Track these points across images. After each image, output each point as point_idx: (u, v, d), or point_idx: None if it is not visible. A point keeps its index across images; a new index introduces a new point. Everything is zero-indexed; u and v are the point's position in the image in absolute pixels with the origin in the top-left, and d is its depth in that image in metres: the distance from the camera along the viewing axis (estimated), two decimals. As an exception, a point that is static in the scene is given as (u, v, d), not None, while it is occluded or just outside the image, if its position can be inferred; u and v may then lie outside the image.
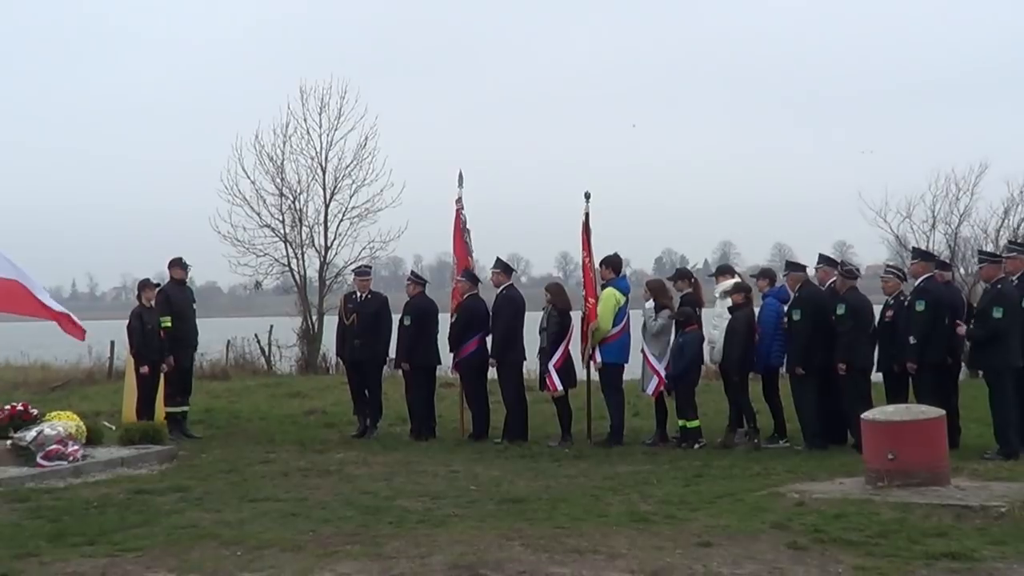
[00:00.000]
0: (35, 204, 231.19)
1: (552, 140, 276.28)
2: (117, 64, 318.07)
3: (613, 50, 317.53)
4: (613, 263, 21.42)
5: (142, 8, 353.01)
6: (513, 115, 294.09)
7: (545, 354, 21.21)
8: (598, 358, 20.82)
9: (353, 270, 23.76)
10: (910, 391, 18.69)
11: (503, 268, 22.36)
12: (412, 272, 24.46)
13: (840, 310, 19.09)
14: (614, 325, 20.68)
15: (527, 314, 21.95)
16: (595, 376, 21.12)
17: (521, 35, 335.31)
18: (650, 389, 20.77)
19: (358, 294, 22.96)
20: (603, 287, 21.20)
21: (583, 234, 21.52)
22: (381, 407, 22.46)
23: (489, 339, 21.67)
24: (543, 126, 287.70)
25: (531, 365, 22.22)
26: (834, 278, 20.08)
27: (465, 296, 22.08)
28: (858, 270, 20.32)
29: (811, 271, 20.33)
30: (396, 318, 22.85)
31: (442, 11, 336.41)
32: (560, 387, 21.05)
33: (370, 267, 23.39)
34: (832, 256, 21.51)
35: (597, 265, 21.33)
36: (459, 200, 23.10)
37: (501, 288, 21.95)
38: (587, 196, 21.83)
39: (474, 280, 22.40)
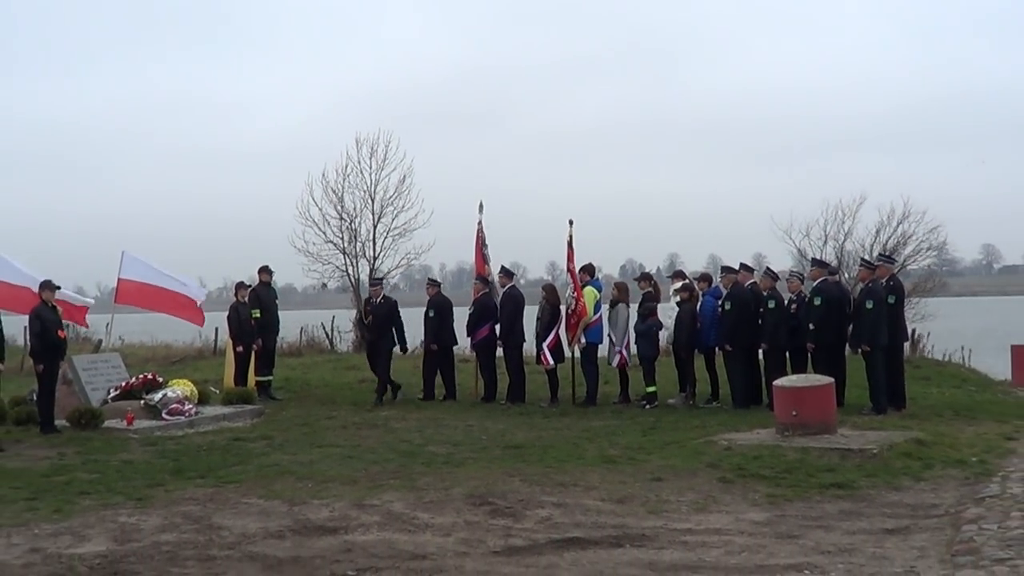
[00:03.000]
0: (181, 212, 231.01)
1: (549, 174, 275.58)
2: (252, 124, 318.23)
3: (601, 107, 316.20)
4: (589, 269, 21.73)
5: (259, 83, 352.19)
6: (521, 156, 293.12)
7: (540, 337, 21.52)
8: (583, 340, 20.97)
9: (369, 280, 23.44)
10: (809, 364, 18.86)
11: (506, 273, 22.60)
12: (429, 278, 25.16)
13: (771, 304, 19.44)
14: (595, 313, 21.05)
15: (526, 307, 22.22)
16: (577, 354, 21.28)
17: (534, 98, 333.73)
18: (615, 362, 21.07)
19: (374, 299, 22.81)
20: (583, 287, 21.36)
21: (568, 248, 21.72)
22: (388, 380, 22.25)
23: (498, 327, 21.86)
24: (544, 165, 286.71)
25: (529, 346, 22.34)
26: (753, 279, 20.37)
27: (479, 294, 22.33)
28: (777, 275, 20.56)
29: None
30: (406, 314, 23.06)
31: (472, 80, 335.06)
32: (552, 362, 21.36)
33: (382, 278, 23.57)
34: (751, 264, 21.68)
35: (578, 271, 21.55)
36: (480, 224, 23.27)
37: (505, 288, 22.14)
38: (571, 222, 22.06)
39: (486, 283, 22.48)
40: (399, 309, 22.86)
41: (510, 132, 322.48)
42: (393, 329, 22.41)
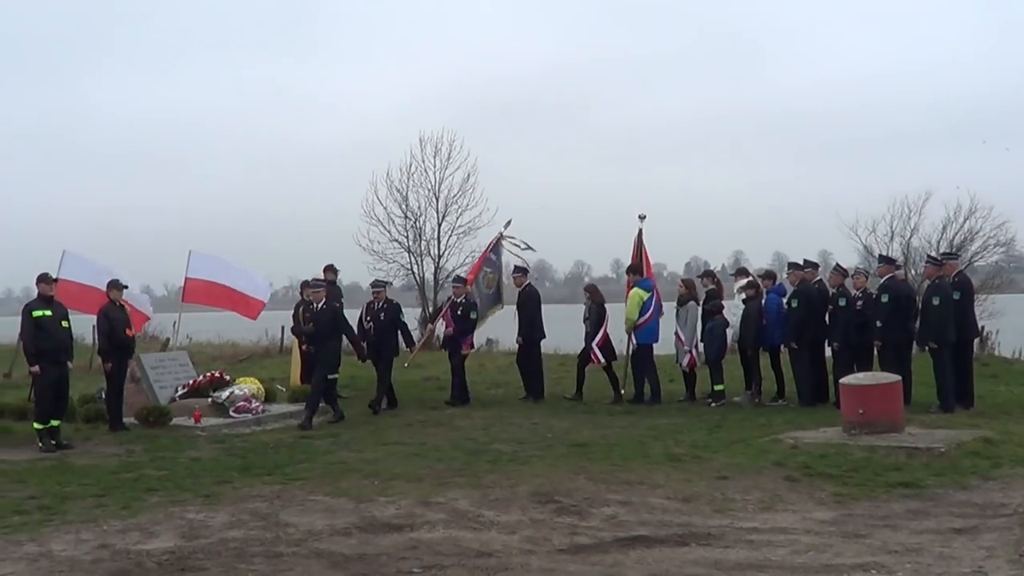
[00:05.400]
0: (254, 209, 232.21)
1: (619, 171, 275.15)
2: (332, 126, 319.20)
3: (676, 104, 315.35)
4: (636, 269, 21.77)
5: (344, 81, 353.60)
6: (594, 153, 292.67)
7: (590, 337, 21.48)
8: (634, 341, 21.01)
9: (371, 284, 22.26)
10: (875, 362, 18.74)
11: (522, 272, 22.60)
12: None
13: (841, 302, 19.27)
14: (641, 315, 20.90)
15: (566, 307, 22.21)
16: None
17: (611, 95, 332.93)
18: (684, 361, 20.98)
19: (375, 303, 21.21)
20: (630, 288, 21.47)
21: (640, 244, 21.81)
22: (389, 389, 21.14)
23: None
24: (617, 161, 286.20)
25: (556, 342, 22.30)
26: (819, 276, 20.26)
27: (462, 296, 21.99)
28: (846, 271, 20.38)
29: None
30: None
31: (550, 76, 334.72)
32: (603, 360, 21.38)
33: (386, 283, 21.61)
34: (816, 261, 21.56)
35: (626, 271, 21.98)
36: (500, 235, 23.64)
37: (522, 287, 22.12)
38: (641, 217, 22.08)
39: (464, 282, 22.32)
40: (402, 311, 21.83)
41: (585, 129, 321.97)
42: (399, 332, 21.47)
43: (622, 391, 21.28)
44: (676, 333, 21.00)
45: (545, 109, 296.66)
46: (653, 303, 21.18)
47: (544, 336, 22.36)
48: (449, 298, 22.36)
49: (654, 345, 21.33)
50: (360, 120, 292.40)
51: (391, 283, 21.65)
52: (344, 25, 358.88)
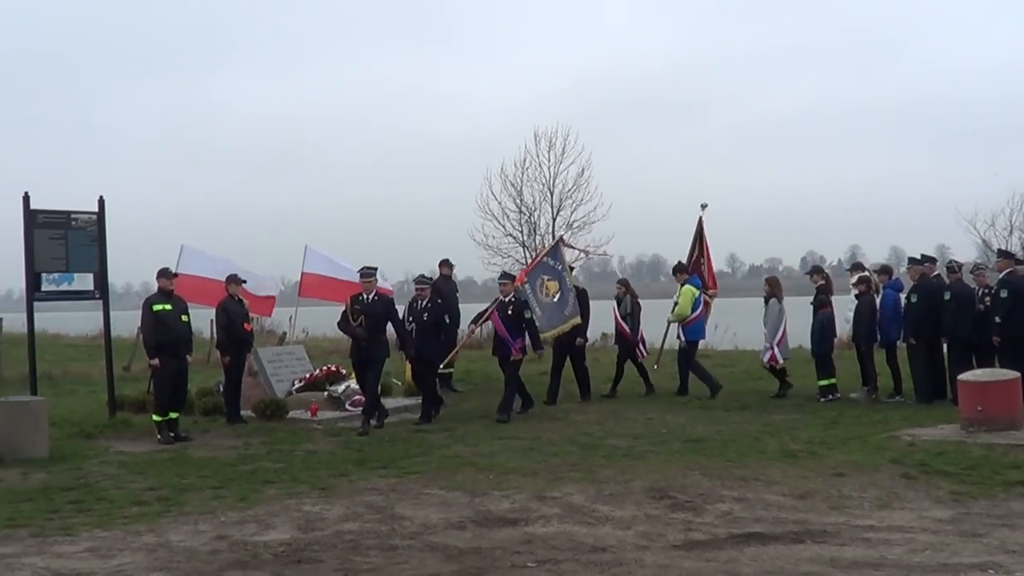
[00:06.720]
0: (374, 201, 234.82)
1: (744, 166, 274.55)
2: (463, 124, 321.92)
3: (806, 97, 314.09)
4: (684, 268, 22.13)
5: (473, 76, 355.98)
6: (721, 148, 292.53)
7: (635, 332, 21.84)
8: (682, 337, 21.60)
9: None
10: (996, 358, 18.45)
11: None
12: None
13: (947, 296, 18.98)
14: (692, 311, 21.26)
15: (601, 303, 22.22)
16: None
17: (740, 88, 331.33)
18: (766, 358, 21.10)
19: (364, 295, 18.35)
20: (682, 285, 21.72)
21: (700, 234, 21.98)
22: (377, 400, 18.32)
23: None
24: (743, 156, 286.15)
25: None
26: (937, 271, 20.00)
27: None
28: (960, 266, 20.08)
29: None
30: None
31: (679, 70, 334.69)
32: (646, 354, 22.17)
33: (374, 269, 18.86)
34: (933, 255, 21.31)
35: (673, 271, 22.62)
36: (561, 240, 23.96)
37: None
38: (703, 206, 22.32)
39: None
40: (395, 306, 19.32)
41: (713, 123, 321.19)
42: (397, 331, 18.74)
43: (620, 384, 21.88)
44: (765, 333, 21.23)
45: (668, 106, 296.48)
46: (701, 300, 21.59)
47: (586, 340, 22.24)
48: (496, 298, 20.07)
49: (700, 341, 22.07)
50: (478, 115, 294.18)
51: (433, 280, 20.08)
52: (472, 22, 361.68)
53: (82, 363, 30.05)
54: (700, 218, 22.45)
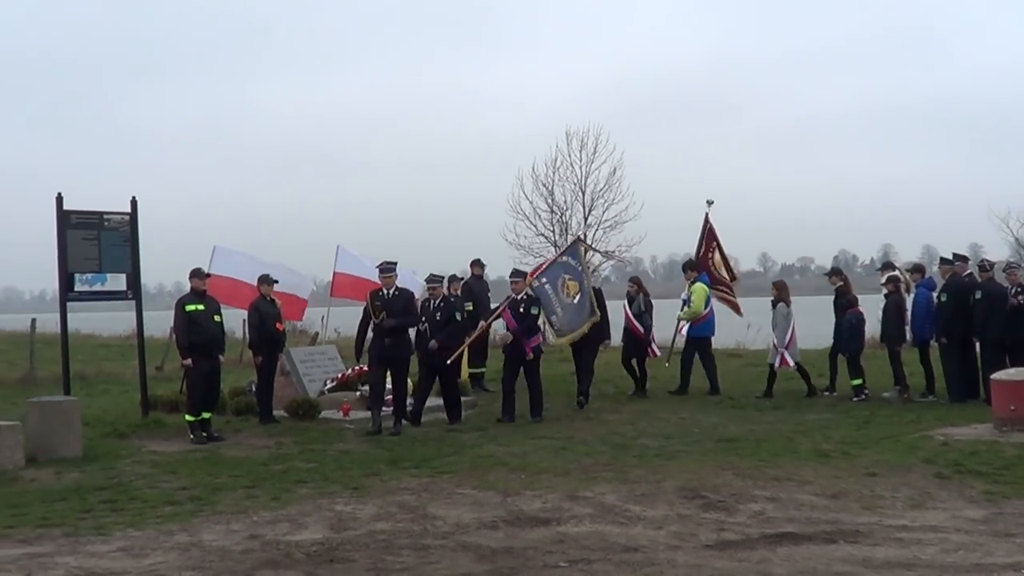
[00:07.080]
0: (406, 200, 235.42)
1: (777, 167, 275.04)
2: (497, 124, 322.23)
3: (844, 97, 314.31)
4: (694, 265, 22.42)
5: (510, 77, 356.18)
6: (757, 148, 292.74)
7: (648, 331, 21.99)
8: (683, 333, 21.93)
9: (378, 266, 18.50)
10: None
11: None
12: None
13: (978, 295, 18.89)
14: (704, 307, 21.64)
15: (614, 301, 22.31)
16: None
17: (777, 89, 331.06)
18: (776, 362, 21.01)
19: (385, 291, 17.91)
20: (691, 283, 21.98)
21: (709, 234, 22.11)
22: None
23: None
24: (780, 156, 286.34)
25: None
26: (970, 270, 19.92)
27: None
28: (991, 265, 19.98)
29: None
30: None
31: (715, 70, 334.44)
32: (659, 353, 22.33)
33: (394, 263, 18.29)
34: (966, 254, 21.23)
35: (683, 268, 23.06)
36: (579, 239, 23.67)
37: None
38: (709, 203, 22.42)
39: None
40: (415, 302, 19.02)
41: (748, 123, 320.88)
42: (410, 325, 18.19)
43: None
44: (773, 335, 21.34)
45: (703, 106, 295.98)
46: (711, 298, 22.00)
47: (609, 338, 22.37)
48: (508, 296, 19.68)
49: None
50: (511, 116, 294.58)
51: (445, 279, 19.58)
52: (505, 23, 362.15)
53: (115, 363, 30.22)
54: (707, 215, 22.58)
